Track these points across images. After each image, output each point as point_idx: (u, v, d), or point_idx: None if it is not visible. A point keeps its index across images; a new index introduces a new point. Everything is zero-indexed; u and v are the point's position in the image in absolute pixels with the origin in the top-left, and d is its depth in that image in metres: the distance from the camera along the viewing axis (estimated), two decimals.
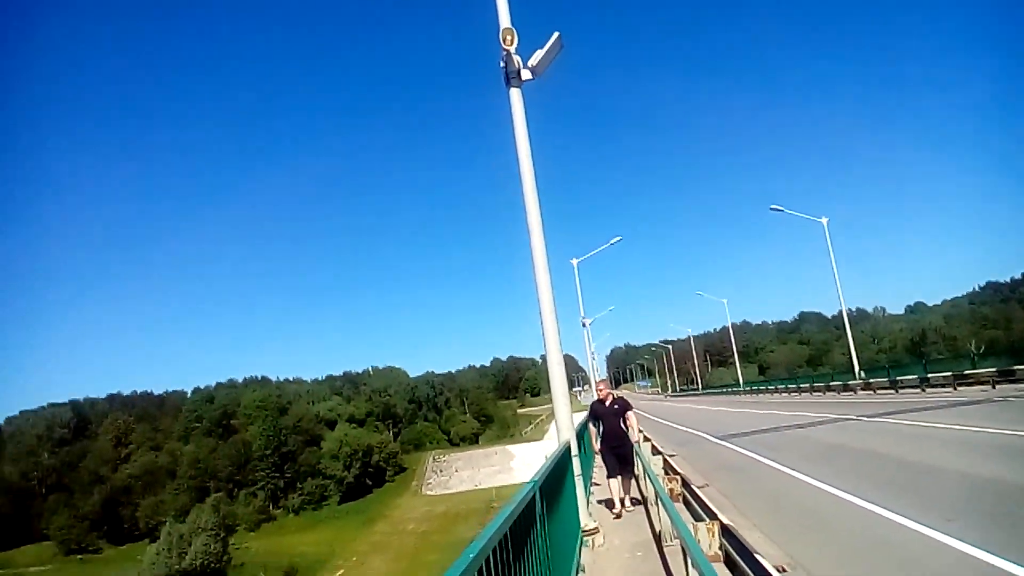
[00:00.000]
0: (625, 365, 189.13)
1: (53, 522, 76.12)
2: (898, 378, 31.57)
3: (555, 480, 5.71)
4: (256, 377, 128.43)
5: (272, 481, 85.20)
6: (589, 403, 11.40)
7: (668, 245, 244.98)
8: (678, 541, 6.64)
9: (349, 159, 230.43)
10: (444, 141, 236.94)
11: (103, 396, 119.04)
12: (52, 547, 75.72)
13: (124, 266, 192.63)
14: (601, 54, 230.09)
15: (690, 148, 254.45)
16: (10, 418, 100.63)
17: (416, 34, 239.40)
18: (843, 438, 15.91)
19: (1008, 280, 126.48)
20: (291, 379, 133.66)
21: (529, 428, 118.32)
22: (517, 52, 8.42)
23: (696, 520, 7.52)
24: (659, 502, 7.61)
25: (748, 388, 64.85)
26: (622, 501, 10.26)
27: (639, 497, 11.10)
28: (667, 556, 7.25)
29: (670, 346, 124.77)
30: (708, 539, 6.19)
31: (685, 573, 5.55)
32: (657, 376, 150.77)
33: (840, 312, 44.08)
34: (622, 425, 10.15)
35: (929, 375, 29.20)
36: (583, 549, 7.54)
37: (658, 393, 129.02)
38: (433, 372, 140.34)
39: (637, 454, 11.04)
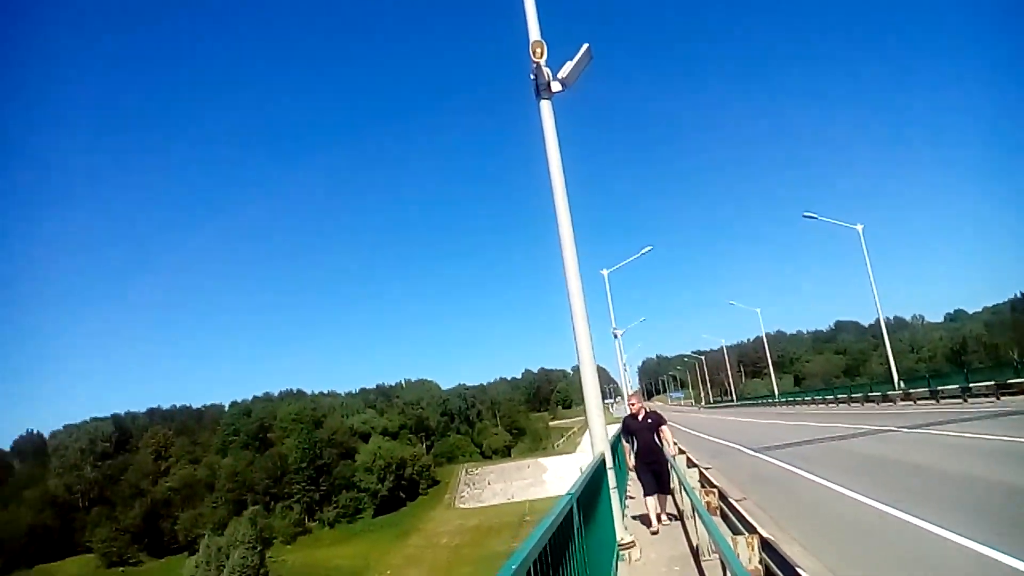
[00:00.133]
0: (657, 376, 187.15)
1: (96, 535, 77.34)
2: (939, 388, 30.73)
3: (591, 492, 5.72)
4: (291, 390, 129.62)
5: (308, 494, 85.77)
6: (621, 415, 11.35)
7: (699, 254, 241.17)
8: (716, 555, 6.59)
9: (379, 171, 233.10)
10: (476, 154, 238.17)
11: (143, 410, 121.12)
12: (95, 559, 76.99)
13: (164, 283, 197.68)
14: (632, 63, 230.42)
15: (721, 155, 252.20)
16: (55, 432, 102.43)
17: (456, 50, 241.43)
18: (883, 450, 15.57)
19: None
20: (325, 392, 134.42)
21: (561, 441, 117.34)
22: (547, 64, 8.48)
23: (734, 534, 7.42)
24: (696, 515, 7.55)
25: (783, 399, 63.67)
26: (659, 517, 10.18)
27: (675, 512, 11.01)
28: (705, 570, 7.18)
29: (703, 357, 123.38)
30: (748, 553, 6.09)
31: None
32: (690, 387, 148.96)
33: (877, 321, 43.35)
34: (656, 440, 10.09)
35: (971, 384, 28.33)
36: (619, 563, 7.51)
37: (691, 405, 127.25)
38: (465, 384, 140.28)
39: (672, 468, 10.97)
